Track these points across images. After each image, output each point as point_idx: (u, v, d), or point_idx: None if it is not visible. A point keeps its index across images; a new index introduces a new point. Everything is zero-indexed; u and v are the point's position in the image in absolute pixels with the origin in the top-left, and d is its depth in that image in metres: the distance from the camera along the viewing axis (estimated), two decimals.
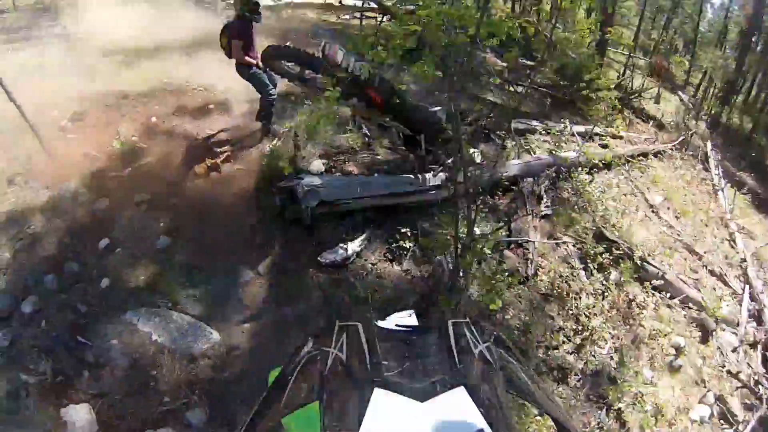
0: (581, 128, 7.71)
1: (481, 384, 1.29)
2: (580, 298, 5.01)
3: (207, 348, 4.17)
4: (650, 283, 5.47)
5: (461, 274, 4.36)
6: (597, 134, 7.70)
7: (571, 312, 4.89)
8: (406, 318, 1.88)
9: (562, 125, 7.41)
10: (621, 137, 8.01)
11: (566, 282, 5.11)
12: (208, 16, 12.47)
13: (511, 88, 8.66)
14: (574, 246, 5.54)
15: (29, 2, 12.36)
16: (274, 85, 6.28)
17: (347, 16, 13.28)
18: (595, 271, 5.31)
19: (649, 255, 5.74)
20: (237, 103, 7.25)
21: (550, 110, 8.22)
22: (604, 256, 5.40)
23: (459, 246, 4.13)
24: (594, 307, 4.97)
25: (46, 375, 3.79)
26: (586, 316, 4.85)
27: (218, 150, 6.37)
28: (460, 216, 4.20)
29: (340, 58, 4.60)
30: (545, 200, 5.82)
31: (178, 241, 5.14)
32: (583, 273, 5.33)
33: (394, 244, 5.02)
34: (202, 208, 5.61)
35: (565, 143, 6.93)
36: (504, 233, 5.26)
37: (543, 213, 5.70)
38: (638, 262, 5.49)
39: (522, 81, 8.51)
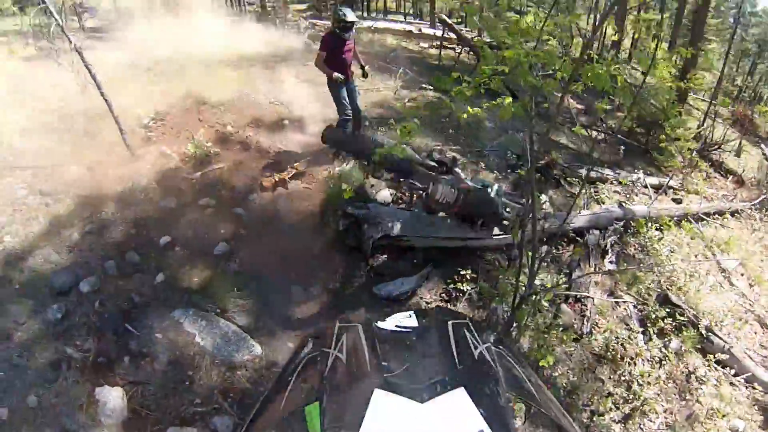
0: (655, 180, 7.38)
1: (481, 385, 1.31)
2: (635, 363, 4.70)
3: (247, 359, 4.14)
4: (714, 356, 5.05)
5: (515, 325, 4.19)
6: (671, 188, 7.35)
7: (623, 378, 4.58)
8: (406, 319, 1.88)
9: (635, 176, 7.14)
10: (696, 192, 7.60)
11: (622, 345, 4.81)
12: (290, 35, 13.19)
13: (587, 133, 8.52)
14: (635, 307, 5.26)
15: (127, 4, 13.40)
16: (353, 103, 6.48)
17: (426, 45, 13.63)
18: (654, 337, 4.98)
19: (716, 325, 5.33)
20: (312, 122, 7.43)
21: (624, 158, 7.97)
22: (666, 321, 5.07)
23: (517, 297, 3.98)
24: (649, 375, 4.63)
25: (90, 353, 3.86)
26: (639, 384, 4.53)
27: (288, 166, 6.53)
28: (522, 266, 4.07)
29: (438, 195, 4.73)
30: (610, 255, 5.59)
31: (236, 250, 5.22)
32: (641, 337, 5.01)
33: (452, 285, 4.90)
34: (264, 221, 5.74)
35: (637, 195, 6.67)
36: (564, 286, 5.05)
37: (606, 269, 5.46)
38: (703, 332, 5.11)
39: (598, 126, 8.35)
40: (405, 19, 16.72)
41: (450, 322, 1.74)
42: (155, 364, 3.94)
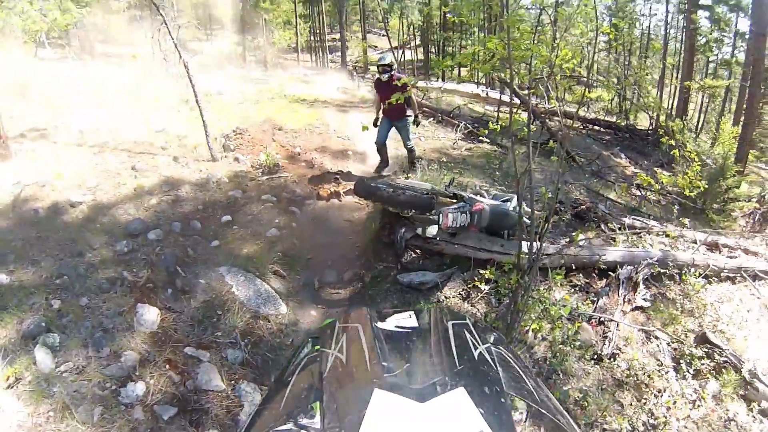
0: (706, 236, 7.15)
1: (481, 385, 1.33)
2: (661, 395, 4.55)
3: (272, 314, 4.61)
4: (758, 405, 4.72)
5: (518, 319, 4.34)
6: (726, 246, 7.07)
7: (646, 406, 4.45)
8: (406, 319, 1.88)
9: (684, 229, 6.99)
10: (756, 253, 7.22)
11: (648, 376, 4.65)
12: (365, 87, 14.68)
13: (638, 193, 8.59)
14: (668, 345, 5.10)
15: (224, 51, 15.61)
16: (403, 141, 7.35)
17: (491, 108, 14.52)
18: (689, 376, 4.77)
19: (764, 374, 4.97)
20: (374, 157, 8.10)
21: (677, 218, 7.90)
22: (703, 362, 4.83)
23: (520, 293, 4.17)
24: (680, 409, 4.44)
25: (141, 279, 4.48)
26: (664, 416, 4.36)
27: (345, 182, 7.27)
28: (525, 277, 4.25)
29: (450, 222, 5.17)
30: (642, 289, 5.50)
31: (285, 236, 5.85)
32: (673, 374, 4.84)
33: (471, 284, 5.18)
34: (314, 220, 6.43)
35: (684, 250, 6.52)
36: (583, 305, 5.12)
37: (638, 304, 5.38)
38: (747, 377, 4.79)
39: (652, 186, 8.45)
40: (477, 86, 17.89)
41: (450, 322, 1.77)
42: (192, 301, 4.49)
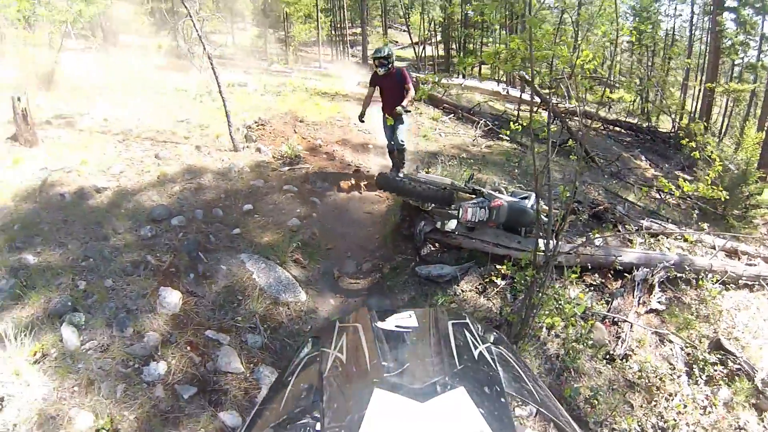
0: (725, 242, 7.08)
1: (481, 385, 1.33)
2: (672, 399, 4.54)
3: (291, 301, 4.67)
4: None
5: (532, 314, 4.36)
6: (746, 253, 6.98)
7: (656, 409, 4.46)
8: (406, 319, 1.86)
9: (703, 234, 6.94)
10: None
11: (660, 379, 4.66)
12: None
13: (658, 196, 8.51)
14: (681, 349, 5.07)
15: (246, 44, 15.82)
16: (394, 138, 6.70)
17: (511, 106, 14.46)
18: (701, 381, 4.76)
19: None
20: None
21: (697, 222, 7.82)
22: (716, 368, 4.81)
23: (535, 290, 4.18)
24: (690, 414, 4.44)
25: (164, 263, 4.58)
26: (674, 420, 4.36)
27: (365, 175, 7.34)
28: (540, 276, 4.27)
29: (469, 216, 5.18)
30: (657, 292, 5.47)
31: (306, 226, 5.90)
32: (685, 378, 4.82)
33: (488, 279, 5.21)
34: (335, 211, 6.47)
35: (702, 255, 6.46)
36: (597, 304, 5.12)
37: (653, 307, 5.36)
38: (760, 386, 4.77)
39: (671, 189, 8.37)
40: (498, 84, 17.88)
41: (450, 322, 1.76)
42: (213, 286, 4.57)
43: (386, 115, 6.46)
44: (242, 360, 3.88)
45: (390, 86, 6.50)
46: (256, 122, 8.51)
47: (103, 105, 8.02)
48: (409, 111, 6.66)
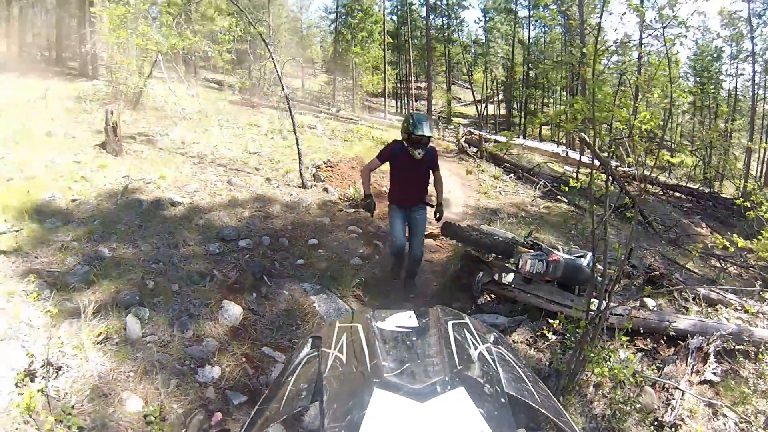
0: None
1: (481, 385, 1.37)
2: None
3: None
4: None
5: (581, 368, 4.39)
6: None
7: None
8: (406, 319, 1.91)
9: (765, 305, 6.71)
10: None
11: None
12: (449, 137, 15.48)
13: (718, 264, 8.37)
14: (735, 424, 4.88)
15: (315, 89, 17.01)
16: (411, 240, 5.60)
17: (570, 168, 14.87)
18: None
19: None
20: (455, 204, 8.74)
21: (759, 292, 7.57)
22: None
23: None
24: None
25: (230, 279, 4.92)
26: None
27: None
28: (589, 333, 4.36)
29: (528, 267, 5.41)
30: (712, 362, 5.35)
31: (367, 266, 6.17)
32: None
33: (539, 332, 5.26)
34: None
35: (764, 327, 6.24)
36: (648, 369, 5.09)
37: (707, 378, 5.25)
38: None
39: (733, 258, 8.16)
40: (558, 146, 18.37)
41: (450, 322, 1.81)
42: (274, 307, 4.84)
43: (399, 206, 5.46)
44: None
45: (416, 169, 5.27)
46: (324, 163, 9.09)
47: (182, 130, 8.83)
48: (443, 215, 5.76)
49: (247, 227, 6.13)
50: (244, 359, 4.11)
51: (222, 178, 7.29)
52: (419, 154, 5.02)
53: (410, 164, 5.13)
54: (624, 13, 15.59)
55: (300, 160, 7.88)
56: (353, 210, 7.55)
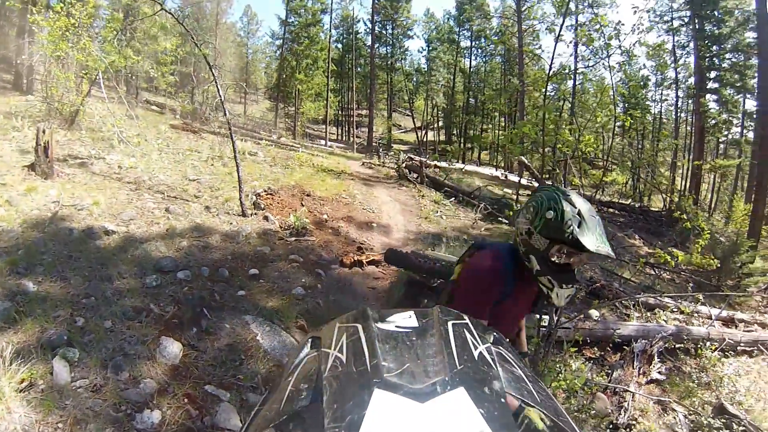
0: (719, 311, 7.24)
1: (481, 385, 1.18)
2: None
3: None
4: None
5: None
6: (742, 320, 7.16)
7: None
8: (406, 319, 2.07)
9: (699, 305, 7.12)
10: None
11: None
12: (390, 164, 15.55)
13: (652, 271, 8.74)
14: (685, 417, 5.07)
15: (257, 116, 16.84)
16: None
17: (509, 190, 15.37)
18: None
19: None
20: (396, 230, 8.55)
21: (692, 294, 8.04)
22: None
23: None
24: None
25: (167, 314, 4.58)
26: None
27: (368, 253, 7.55)
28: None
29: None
30: (656, 362, 5.58)
31: (310, 296, 5.97)
32: None
33: None
34: (339, 284, 6.59)
35: (699, 325, 6.61)
36: (597, 376, 5.21)
37: (653, 377, 5.45)
38: None
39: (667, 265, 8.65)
40: (496, 169, 19.05)
41: (450, 322, 1.89)
42: (216, 342, 4.55)
43: None
44: (242, 418, 3.79)
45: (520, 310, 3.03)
46: (265, 191, 8.85)
47: (119, 154, 8.34)
48: None
49: (185, 258, 5.79)
50: (186, 400, 3.80)
51: (160, 205, 6.90)
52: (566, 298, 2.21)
53: (516, 303, 2.43)
54: (571, 41, 16.36)
55: (240, 187, 7.61)
56: (294, 239, 7.35)
